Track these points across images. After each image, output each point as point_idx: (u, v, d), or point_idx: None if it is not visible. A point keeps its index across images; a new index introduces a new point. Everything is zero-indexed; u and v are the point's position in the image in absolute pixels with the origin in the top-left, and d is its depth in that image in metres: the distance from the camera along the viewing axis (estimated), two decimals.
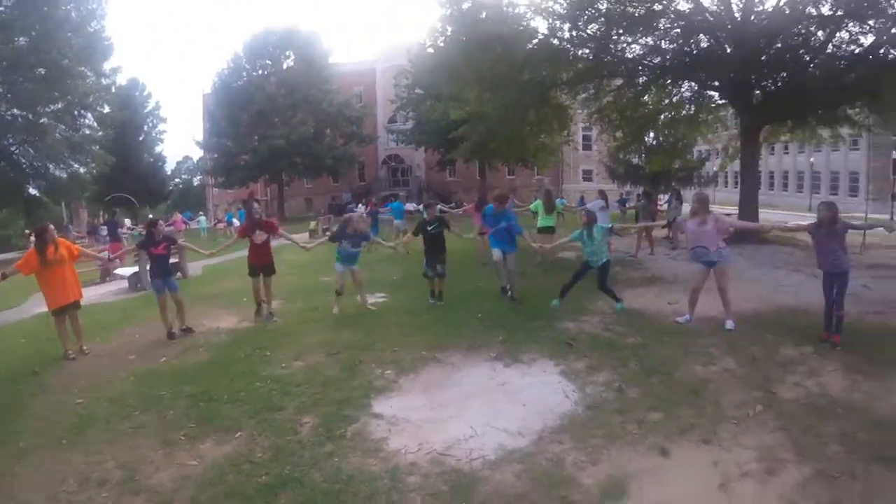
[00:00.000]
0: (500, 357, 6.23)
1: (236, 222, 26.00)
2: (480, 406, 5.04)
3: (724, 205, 31.87)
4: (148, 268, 8.74)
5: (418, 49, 27.22)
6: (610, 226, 9.17)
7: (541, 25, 16.51)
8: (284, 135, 40.88)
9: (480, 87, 16.55)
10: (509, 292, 9.11)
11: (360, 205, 30.86)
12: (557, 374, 5.76)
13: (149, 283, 8.97)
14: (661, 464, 4.03)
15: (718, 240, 7.30)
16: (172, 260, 9.22)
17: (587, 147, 49.45)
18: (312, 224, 25.28)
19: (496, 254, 9.09)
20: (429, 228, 9.03)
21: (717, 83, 17.06)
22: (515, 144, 22.76)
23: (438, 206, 15.05)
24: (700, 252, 7.40)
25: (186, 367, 6.55)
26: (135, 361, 6.93)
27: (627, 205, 23.14)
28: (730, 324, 7.22)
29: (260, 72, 45.22)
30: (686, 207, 11.80)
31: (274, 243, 9.16)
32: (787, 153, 49.80)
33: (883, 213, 31.00)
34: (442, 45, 18.55)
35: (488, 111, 17.84)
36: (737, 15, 15.63)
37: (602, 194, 14.48)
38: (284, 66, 45.69)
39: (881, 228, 8.36)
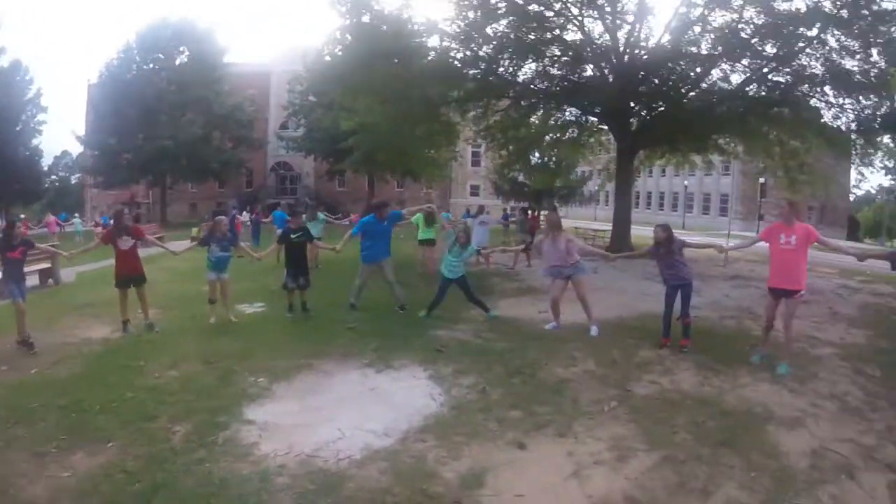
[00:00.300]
0: (372, 364, 6.33)
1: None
2: (350, 410, 5.10)
3: (604, 221, 34.03)
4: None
5: (315, 56, 26.86)
6: (478, 249, 9.54)
7: (436, 44, 17.00)
8: (172, 134, 38.74)
9: (373, 98, 16.72)
10: (400, 304, 8.94)
11: (244, 212, 29.97)
12: (426, 378, 5.94)
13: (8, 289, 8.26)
14: (518, 456, 4.27)
15: (570, 257, 7.77)
16: (43, 265, 8.52)
17: (476, 163, 50.83)
18: (195, 230, 24.12)
19: (364, 269, 8.95)
20: (293, 237, 8.68)
21: (598, 109, 18.20)
22: (404, 157, 22.95)
23: (322, 216, 15.13)
24: (554, 271, 7.89)
25: (59, 378, 6.12)
26: (6, 373, 6.45)
27: (510, 219, 24.06)
28: (594, 330, 7.70)
29: (151, 66, 42.44)
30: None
31: (151, 250, 8.79)
32: (665, 176, 53.86)
33: (750, 231, 34.08)
34: (339, 53, 18.52)
35: (379, 123, 18.04)
36: (622, 48, 16.89)
37: (481, 209, 15.28)
38: (177, 62, 43.22)
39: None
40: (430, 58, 16.45)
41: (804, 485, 4.06)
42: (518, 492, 3.81)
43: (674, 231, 7.32)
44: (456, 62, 16.86)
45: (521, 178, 32.30)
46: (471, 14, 16.21)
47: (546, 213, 10.78)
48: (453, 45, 16.89)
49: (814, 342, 7.87)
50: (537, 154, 27.04)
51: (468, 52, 16.90)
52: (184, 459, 4.21)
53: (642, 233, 22.01)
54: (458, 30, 16.29)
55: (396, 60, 15.52)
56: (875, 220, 63.29)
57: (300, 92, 39.10)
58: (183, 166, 41.10)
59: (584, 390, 5.65)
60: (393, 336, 7.41)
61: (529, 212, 19.41)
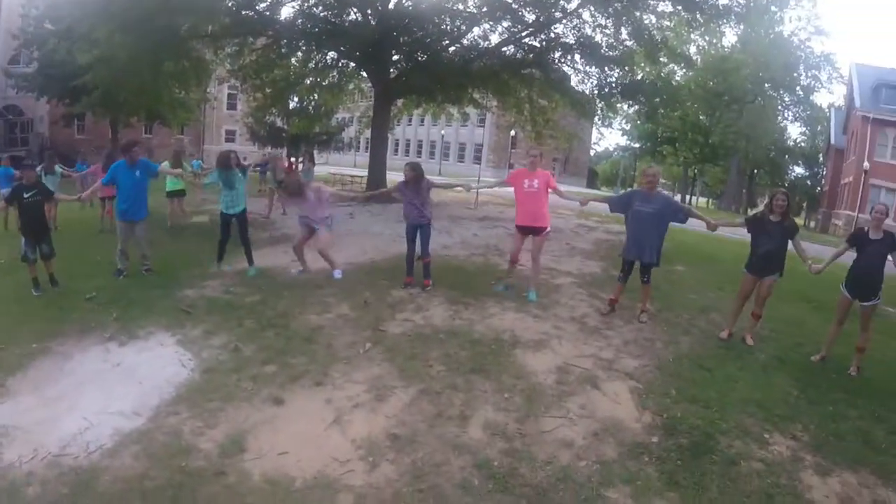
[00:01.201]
0: (114, 336, 5.66)
1: None
2: (95, 393, 4.59)
3: (363, 168, 34.41)
4: None
5: None
6: (247, 167, 8.94)
7: None
8: None
9: (113, 25, 14.43)
10: (145, 266, 8.01)
11: None
12: (174, 344, 5.52)
13: None
14: (276, 413, 4.28)
15: (321, 208, 7.84)
16: None
17: (232, 107, 46.99)
18: None
19: (122, 227, 7.86)
20: (26, 196, 7.12)
21: (357, 54, 18.03)
22: (148, 97, 20.40)
23: (58, 168, 12.87)
24: (302, 221, 7.92)
25: None
26: None
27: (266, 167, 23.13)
28: (337, 273, 7.86)
29: None
30: (318, 169, 12.30)
31: None
32: (423, 125, 56.19)
33: (500, 176, 36.87)
34: None
35: (118, 55, 15.75)
36: None
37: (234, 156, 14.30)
38: None
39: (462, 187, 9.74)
40: None
41: (553, 399, 4.69)
42: (281, 449, 3.85)
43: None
44: None
45: (279, 122, 30.98)
46: None
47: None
48: None
49: (554, 273, 8.91)
50: (296, 98, 26.26)
51: None
52: None
53: (399, 177, 22.81)
54: None
55: None
56: (612, 172, 74.93)
57: (35, 17, 32.11)
58: None
59: (339, 335, 5.77)
60: (136, 302, 6.65)
61: (289, 161, 18.88)
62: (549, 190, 7.25)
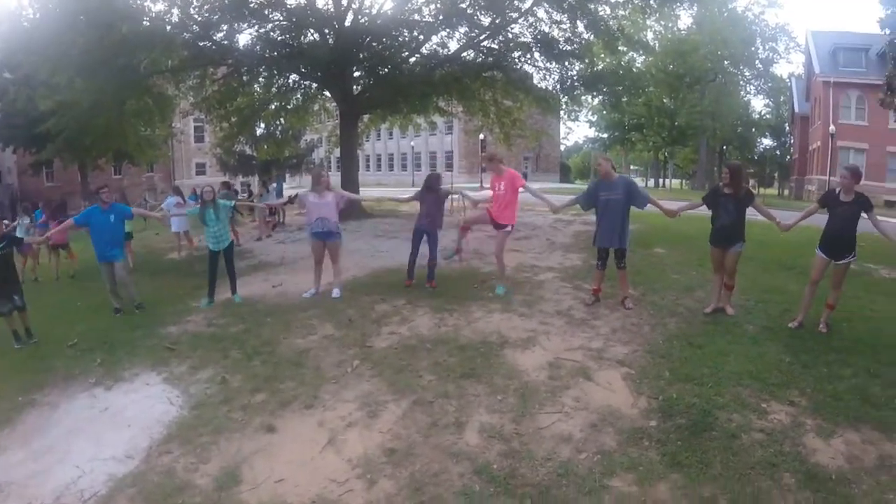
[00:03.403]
0: (100, 381, 5.58)
1: None
2: (85, 441, 4.50)
3: (335, 187, 34.26)
4: None
5: (9, 21, 21.74)
6: (233, 203, 8.90)
7: (158, 7, 15.11)
8: None
9: (74, 70, 14.24)
10: (136, 304, 8.00)
11: None
12: (161, 382, 5.45)
13: None
14: (269, 441, 4.21)
15: (337, 212, 7.94)
16: None
17: (200, 139, 47.01)
18: None
19: (103, 270, 7.88)
20: None
21: (319, 74, 18.00)
22: (114, 138, 20.11)
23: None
24: (319, 224, 7.81)
25: None
26: None
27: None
28: (336, 292, 7.89)
29: None
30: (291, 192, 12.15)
31: None
32: (392, 138, 56.91)
33: (474, 182, 36.93)
34: (37, 17, 15.35)
35: (80, 99, 15.53)
36: (344, 13, 16.93)
37: (177, 190, 14.23)
38: None
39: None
40: (145, 22, 14.47)
41: (547, 395, 4.67)
42: (277, 477, 3.79)
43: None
44: (169, 26, 15.13)
45: (248, 150, 30.99)
46: None
47: (313, 168, 10.30)
48: (170, 8, 15.12)
49: (536, 270, 8.95)
50: (262, 124, 26.27)
51: (184, 16, 15.29)
52: None
53: (375, 195, 22.82)
54: None
55: (103, 25, 13.34)
56: (584, 165, 75.74)
57: None
58: None
59: (326, 356, 5.72)
60: (120, 344, 6.56)
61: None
62: (520, 188, 7.47)
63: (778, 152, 54.65)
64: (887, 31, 15.43)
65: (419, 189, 8.12)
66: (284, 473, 3.77)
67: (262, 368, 5.51)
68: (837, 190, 5.81)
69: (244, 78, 18.65)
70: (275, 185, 17.82)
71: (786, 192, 47.27)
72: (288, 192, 17.19)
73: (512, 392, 4.69)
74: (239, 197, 17.46)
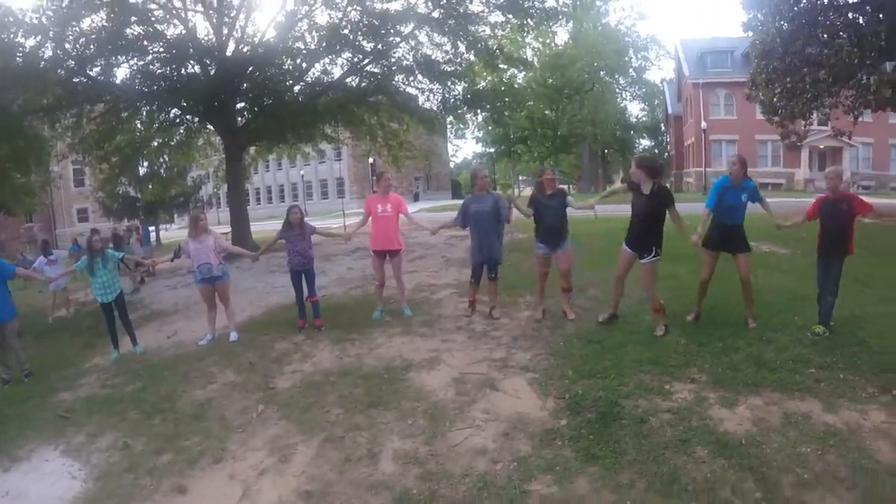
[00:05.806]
0: None
1: None
2: None
3: (227, 224, 33.02)
4: None
5: None
6: (122, 254, 8.31)
7: (30, 42, 13.85)
8: None
9: None
10: (24, 372, 7.24)
11: None
12: (59, 456, 4.94)
13: None
14: (181, 503, 3.95)
15: (219, 256, 7.54)
16: None
17: (80, 183, 43.58)
18: None
19: None
20: None
21: (200, 107, 17.38)
22: None
23: None
24: (204, 269, 7.39)
25: None
26: None
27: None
28: (233, 335, 7.53)
29: None
30: (178, 234, 11.53)
31: None
32: (281, 169, 55.47)
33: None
34: None
35: None
36: (226, 43, 16.55)
37: (45, 244, 13.13)
38: None
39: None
40: (18, 59, 13.35)
41: (456, 411, 4.68)
42: None
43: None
44: (43, 62, 14.03)
45: (131, 192, 29.20)
46: (65, 2, 13.61)
47: (191, 212, 9.55)
48: (43, 43, 13.99)
49: (434, 288, 8.99)
50: (145, 163, 25.25)
51: (58, 51, 14.21)
52: None
53: (265, 228, 22.17)
54: (46, 22, 13.46)
55: None
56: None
57: None
58: None
59: (229, 404, 5.44)
60: (10, 419, 5.92)
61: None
62: (401, 214, 7.54)
63: (656, 150, 58.18)
64: (750, 34, 16.86)
65: (280, 228, 7.64)
66: None
67: (163, 427, 5.12)
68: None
69: (123, 115, 17.62)
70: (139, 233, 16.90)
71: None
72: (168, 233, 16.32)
73: (421, 414, 4.67)
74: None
